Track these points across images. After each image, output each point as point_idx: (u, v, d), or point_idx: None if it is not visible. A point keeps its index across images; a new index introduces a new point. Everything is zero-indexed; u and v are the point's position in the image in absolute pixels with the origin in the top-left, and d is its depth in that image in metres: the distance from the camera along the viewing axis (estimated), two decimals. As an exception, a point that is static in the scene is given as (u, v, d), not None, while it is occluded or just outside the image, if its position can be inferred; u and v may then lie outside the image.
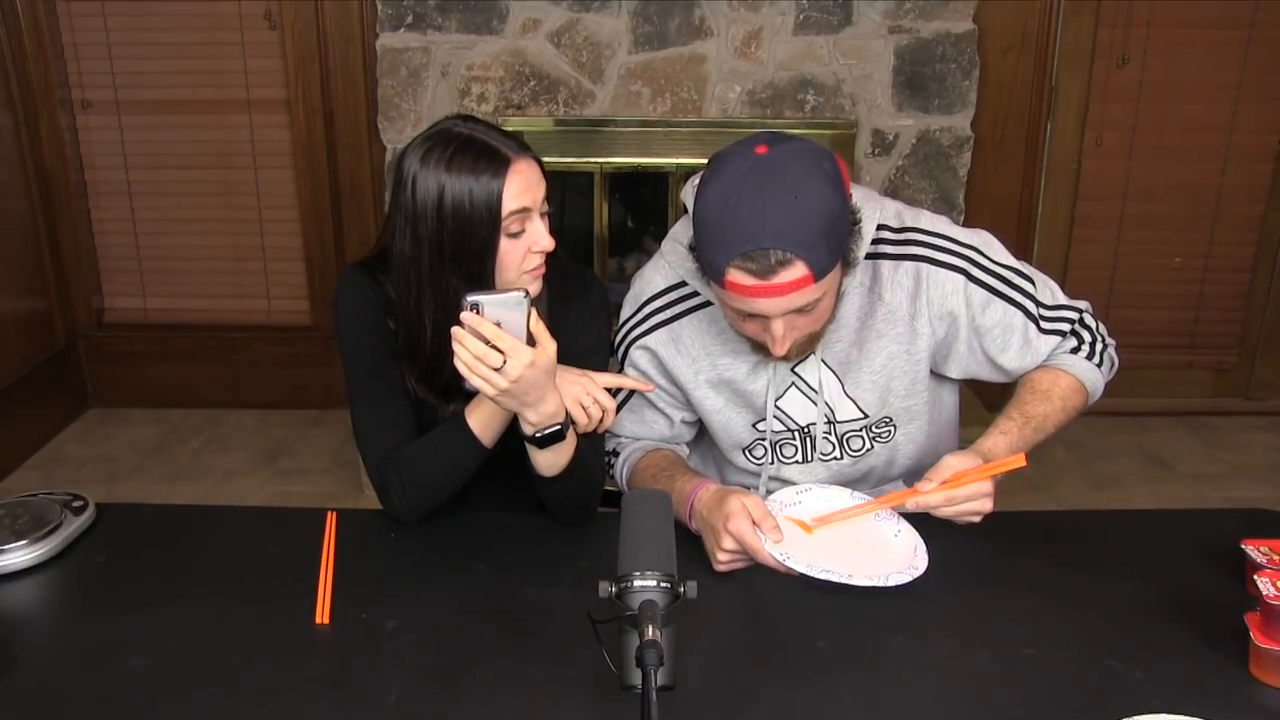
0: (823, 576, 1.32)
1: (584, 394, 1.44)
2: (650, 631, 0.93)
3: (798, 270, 1.29)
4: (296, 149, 3.39)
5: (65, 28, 3.32)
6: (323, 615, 1.28)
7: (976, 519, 1.39)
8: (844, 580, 1.32)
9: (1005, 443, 1.45)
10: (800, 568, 1.33)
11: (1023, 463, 1.41)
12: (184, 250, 3.54)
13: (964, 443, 1.70)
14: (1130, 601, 1.30)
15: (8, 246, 3.27)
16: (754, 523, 1.36)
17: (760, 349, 1.46)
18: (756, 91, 3.11)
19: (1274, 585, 1.17)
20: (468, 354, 1.28)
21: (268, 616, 1.29)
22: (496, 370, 1.28)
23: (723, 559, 1.38)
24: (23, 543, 1.36)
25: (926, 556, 1.38)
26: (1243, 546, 1.30)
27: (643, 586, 0.97)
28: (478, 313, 1.27)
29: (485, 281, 1.40)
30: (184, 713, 1.13)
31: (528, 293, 1.30)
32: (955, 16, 3.07)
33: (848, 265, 1.42)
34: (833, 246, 1.32)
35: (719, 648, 1.21)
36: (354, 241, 3.44)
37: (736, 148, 1.35)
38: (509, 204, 1.37)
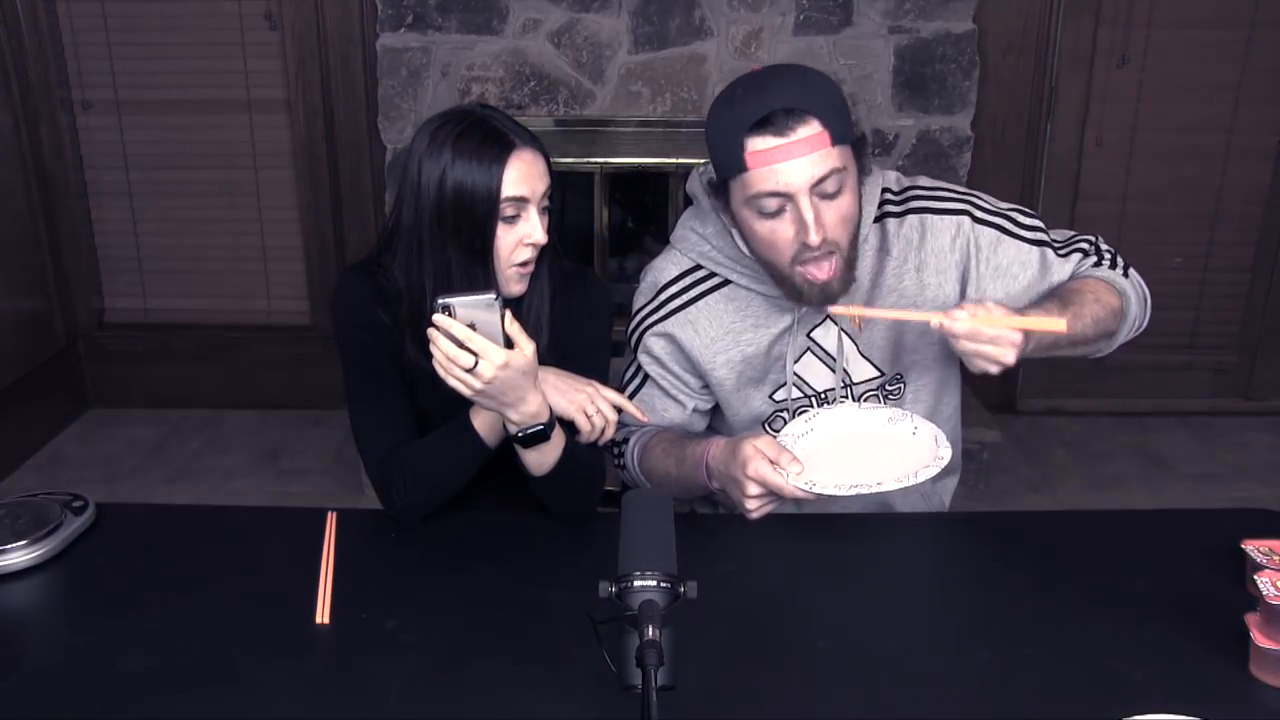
0: (852, 492, 1.34)
1: (589, 403, 1.44)
2: (650, 631, 0.93)
3: (813, 126, 1.35)
4: (296, 149, 3.39)
5: (65, 28, 3.32)
6: (323, 615, 1.28)
7: (993, 368, 1.34)
8: (875, 489, 1.34)
9: (1044, 314, 1.39)
10: (828, 490, 1.35)
11: (1062, 326, 1.35)
12: (184, 250, 3.54)
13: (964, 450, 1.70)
14: (1130, 601, 1.30)
15: (8, 246, 3.27)
16: (772, 462, 1.38)
17: (796, 291, 1.43)
18: (756, 91, 3.11)
19: (1274, 585, 1.17)
20: (441, 355, 1.29)
21: (268, 616, 1.29)
22: (469, 371, 1.29)
23: (752, 506, 1.41)
24: (23, 543, 1.36)
25: (950, 446, 1.40)
26: (1243, 546, 1.29)
27: (643, 586, 0.97)
28: (449, 314, 1.28)
29: (486, 259, 1.42)
30: (184, 713, 1.13)
31: (499, 294, 1.31)
32: (955, 16, 3.07)
33: (861, 166, 1.44)
34: (843, 118, 1.38)
35: (719, 648, 1.21)
36: (354, 241, 3.44)
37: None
38: (507, 189, 1.39)
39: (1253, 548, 1.28)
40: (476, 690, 1.16)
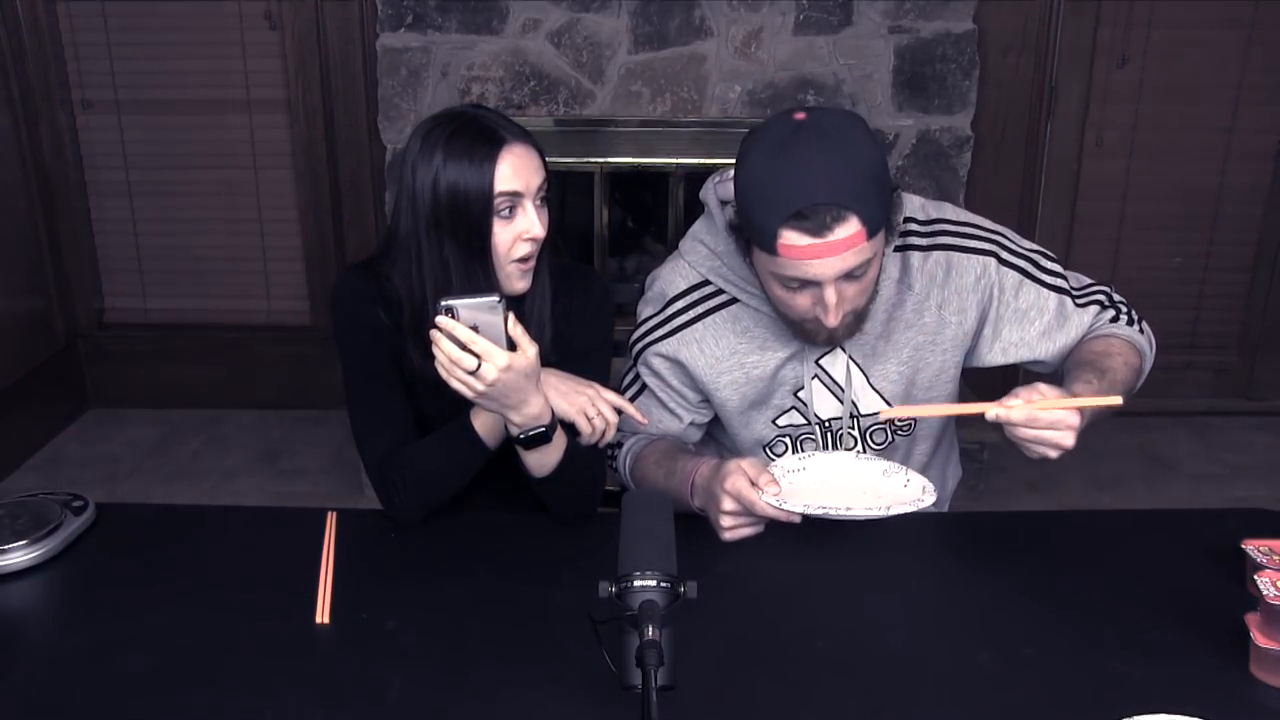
0: (818, 513, 1.35)
1: (589, 405, 1.44)
2: (650, 631, 0.93)
3: (851, 226, 1.30)
4: (296, 149, 3.39)
5: (65, 28, 3.32)
6: (323, 615, 1.28)
7: (1053, 453, 1.32)
8: (842, 513, 1.35)
9: (1089, 392, 1.38)
10: (797, 508, 1.36)
11: (1118, 401, 1.33)
12: (184, 250, 3.54)
13: (963, 450, 1.70)
14: (1130, 601, 1.30)
15: (8, 246, 3.27)
16: (752, 482, 1.38)
17: (804, 334, 1.45)
18: (756, 91, 3.11)
19: (1274, 585, 1.17)
20: (444, 357, 1.29)
21: (268, 616, 1.29)
22: (472, 374, 1.29)
23: (726, 523, 1.40)
24: (23, 543, 1.36)
25: (934, 493, 1.40)
26: (1243, 546, 1.29)
27: (643, 586, 0.97)
28: (452, 316, 1.28)
29: (485, 258, 1.41)
30: (184, 713, 1.13)
31: (503, 296, 1.31)
32: (955, 16, 3.07)
33: (890, 233, 1.41)
34: (883, 200, 1.33)
35: (719, 648, 1.21)
36: (354, 241, 3.44)
37: (774, 119, 1.37)
38: (500, 184, 1.39)
39: (1253, 548, 1.28)
40: (476, 690, 1.16)
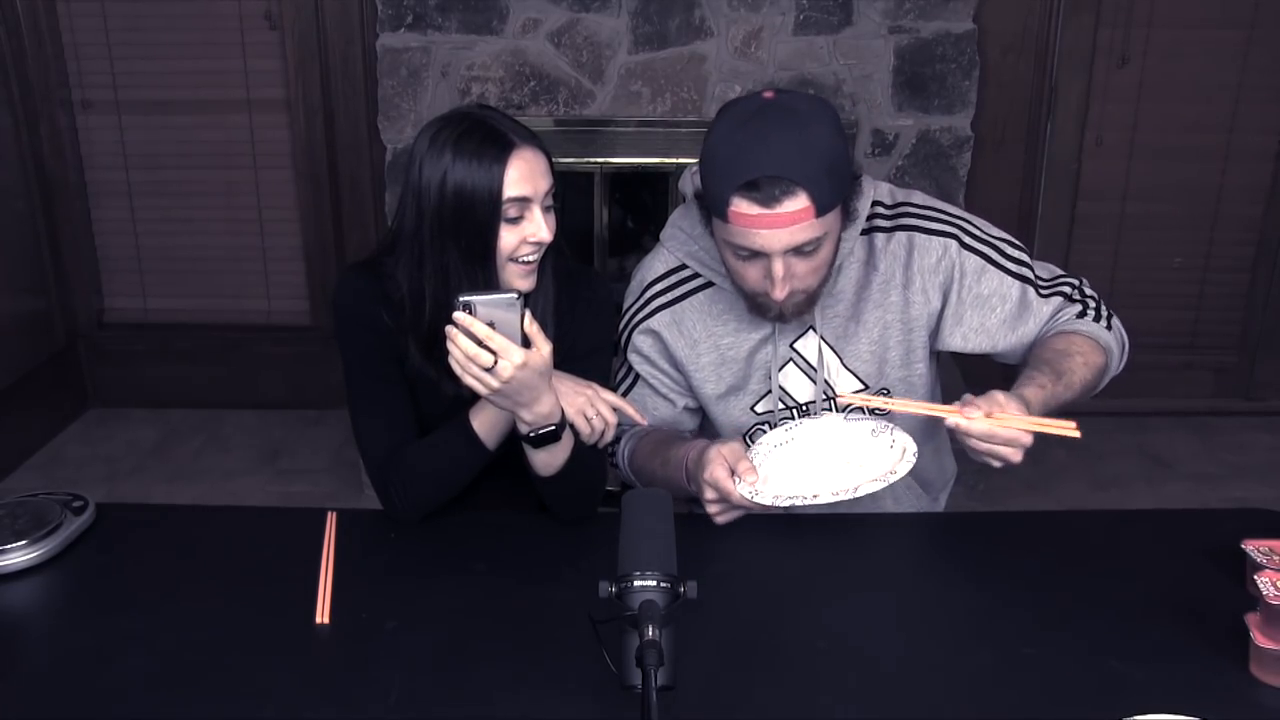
0: (788, 503, 1.37)
1: (588, 405, 1.44)
2: (650, 631, 0.93)
3: (799, 201, 1.33)
4: (296, 149, 3.39)
5: (65, 28, 3.32)
6: (323, 615, 1.28)
7: (997, 464, 1.35)
8: (810, 501, 1.36)
9: (1040, 395, 1.40)
10: (766, 500, 1.38)
11: (1074, 430, 1.33)
12: (184, 250, 3.54)
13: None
14: (1130, 601, 1.30)
15: (8, 246, 3.27)
16: (732, 471, 1.40)
17: (757, 309, 1.48)
18: (756, 91, 3.11)
19: (1274, 585, 1.17)
20: (460, 353, 1.29)
21: (268, 616, 1.29)
22: (488, 370, 1.28)
23: (712, 510, 1.43)
24: (23, 543, 1.36)
25: (914, 458, 1.39)
26: (1243, 546, 1.30)
27: (643, 586, 0.97)
28: (470, 313, 1.28)
29: (488, 260, 1.41)
30: (184, 713, 1.13)
31: (521, 294, 1.31)
32: (955, 16, 3.07)
33: (847, 217, 1.45)
34: (834, 185, 1.36)
35: (719, 648, 1.21)
36: (354, 241, 3.44)
37: (746, 96, 1.43)
38: (509, 189, 1.38)
39: (1253, 548, 1.28)
40: (476, 690, 1.16)
